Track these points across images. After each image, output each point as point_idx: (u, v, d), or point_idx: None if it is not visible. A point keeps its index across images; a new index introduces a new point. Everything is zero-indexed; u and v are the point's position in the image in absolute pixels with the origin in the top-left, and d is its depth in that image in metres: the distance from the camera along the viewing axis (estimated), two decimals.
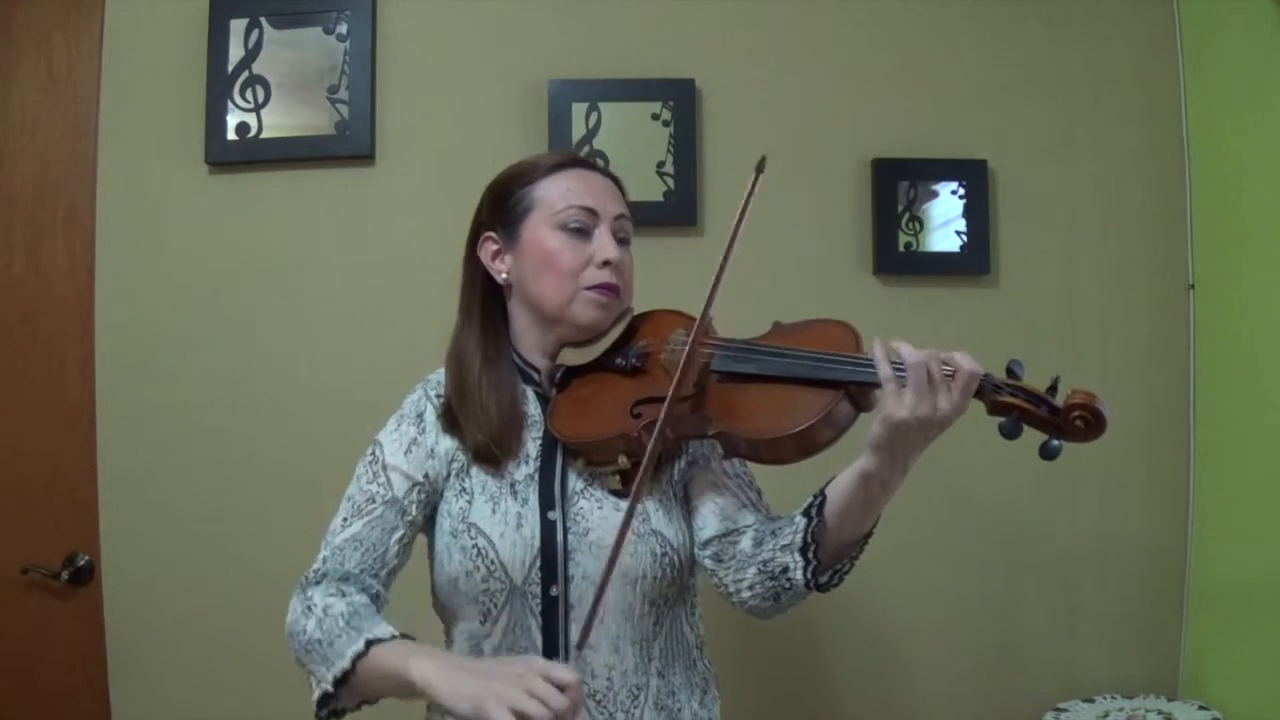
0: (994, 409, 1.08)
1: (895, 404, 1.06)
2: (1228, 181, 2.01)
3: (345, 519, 1.27)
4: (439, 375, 1.35)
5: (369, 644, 1.12)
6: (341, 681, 1.13)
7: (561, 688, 1.00)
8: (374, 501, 1.26)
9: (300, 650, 1.18)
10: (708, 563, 1.26)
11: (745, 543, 1.23)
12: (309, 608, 1.19)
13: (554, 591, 1.22)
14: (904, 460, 1.09)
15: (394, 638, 1.13)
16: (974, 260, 2.07)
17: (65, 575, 1.99)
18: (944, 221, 2.07)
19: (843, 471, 1.14)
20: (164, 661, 1.98)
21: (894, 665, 2.07)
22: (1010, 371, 1.09)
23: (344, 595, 1.20)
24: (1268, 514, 1.84)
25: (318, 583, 1.22)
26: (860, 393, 1.13)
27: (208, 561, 1.99)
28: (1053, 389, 1.07)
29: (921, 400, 1.05)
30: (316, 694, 1.16)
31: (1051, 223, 2.10)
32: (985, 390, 1.07)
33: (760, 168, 1.21)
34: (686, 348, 1.18)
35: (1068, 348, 2.09)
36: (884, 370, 1.07)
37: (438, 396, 1.33)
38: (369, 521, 1.25)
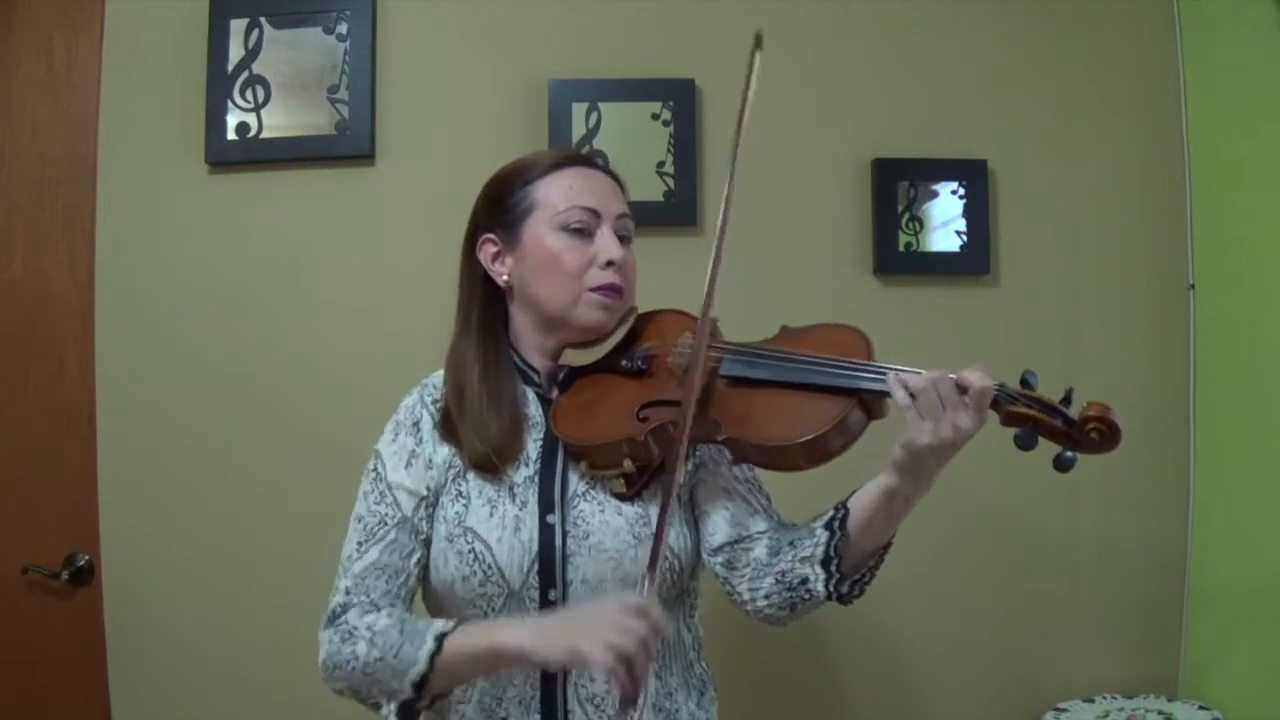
0: (1008, 420, 1.08)
1: (917, 430, 1.06)
2: (1228, 181, 2.00)
3: (360, 544, 1.25)
4: (435, 379, 1.33)
5: (439, 640, 1.13)
6: (420, 685, 1.14)
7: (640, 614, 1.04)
8: (385, 524, 1.24)
9: (356, 675, 1.17)
10: (719, 569, 1.24)
11: (759, 550, 1.21)
12: (350, 633, 1.18)
13: (552, 595, 1.21)
14: (928, 477, 1.09)
15: (456, 627, 1.15)
16: (974, 260, 2.07)
17: (65, 575, 1.99)
18: (944, 221, 2.07)
19: (865, 485, 1.13)
20: (164, 661, 1.98)
21: (894, 665, 2.07)
22: (1025, 382, 1.08)
23: (380, 610, 1.20)
24: (1268, 514, 1.84)
25: (345, 612, 1.21)
26: (872, 400, 1.12)
27: (208, 561, 1.99)
28: (1067, 400, 1.06)
29: (940, 423, 1.05)
30: (394, 706, 1.16)
31: (1051, 223, 2.10)
32: (1000, 401, 1.07)
33: (758, 43, 1.21)
34: (697, 357, 1.15)
35: (1068, 348, 2.09)
36: (900, 398, 1.07)
37: (434, 403, 1.30)
38: (385, 546, 1.23)
